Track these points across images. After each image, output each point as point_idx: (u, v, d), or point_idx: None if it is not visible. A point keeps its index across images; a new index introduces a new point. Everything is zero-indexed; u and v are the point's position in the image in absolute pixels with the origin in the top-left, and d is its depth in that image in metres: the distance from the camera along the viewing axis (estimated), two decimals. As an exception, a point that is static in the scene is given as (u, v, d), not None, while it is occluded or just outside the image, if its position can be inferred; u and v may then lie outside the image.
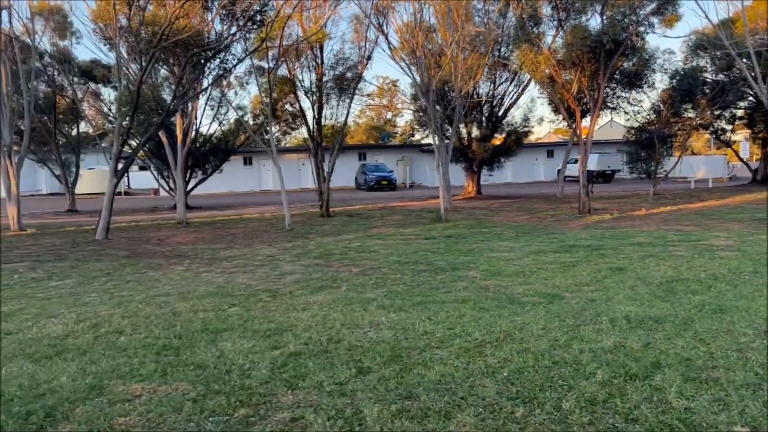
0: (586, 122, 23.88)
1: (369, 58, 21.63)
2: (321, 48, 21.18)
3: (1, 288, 9.31)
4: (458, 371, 4.85)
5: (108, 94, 28.61)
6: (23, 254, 13.26)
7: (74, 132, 29.59)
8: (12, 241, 15.77)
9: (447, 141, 24.01)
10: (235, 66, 18.74)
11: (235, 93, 28.28)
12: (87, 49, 63.77)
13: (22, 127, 20.11)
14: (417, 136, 61.77)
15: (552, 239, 13.61)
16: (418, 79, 21.77)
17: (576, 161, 35.81)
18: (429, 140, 42.31)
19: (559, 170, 34.11)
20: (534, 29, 20.79)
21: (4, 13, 18.11)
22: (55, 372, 5.07)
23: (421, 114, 29.28)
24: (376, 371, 4.91)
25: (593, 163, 37.94)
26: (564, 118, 24.65)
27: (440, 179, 20.62)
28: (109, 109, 27.66)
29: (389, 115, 66.36)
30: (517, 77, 28.43)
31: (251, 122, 27.67)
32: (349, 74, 21.93)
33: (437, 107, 23.02)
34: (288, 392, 4.52)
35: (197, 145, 25.48)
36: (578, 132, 21.96)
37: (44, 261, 12.16)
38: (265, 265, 10.92)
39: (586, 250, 11.62)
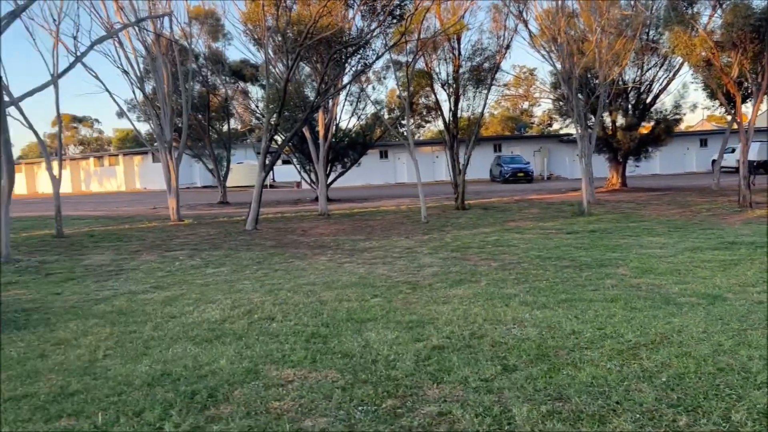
0: (746, 108, 21.92)
1: (507, 47, 21.17)
2: (458, 39, 21.03)
3: None
4: (611, 374, 4.60)
5: (255, 92, 30.24)
6: (182, 243, 14.34)
7: (225, 128, 31.56)
8: (172, 231, 17.12)
9: (590, 130, 22.97)
10: (374, 61, 19.09)
11: (373, 88, 28.76)
12: (237, 50, 68.01)
13: (180, 125, 21.73)
14: (555, 126, 59.89)
15: (709, 235, 12.62)
16: (558, 66, 21.00)
17: (733, 150, 33.06)
18: (568, 130, 40.81)
19: (714, 160, 31.65)
20: (688, 9, 19.33)
21: (166, 19, 19.66)
22: (215, 355, 5.41)
23: (561, 103, 28.28)
24: (522, 369, 4.78)
25: (754, 152, 34.73)
26: (721, 104, 22.76)
27: (583, 170, 19.79)
28: (256, 106, 29.24)
29: (526, 105, 64.77)
30: (667, 61, 26.62)
31: (386, 116, 28.11)
32: (486, 65, 21.60)
33: (579, 95, 22.08)
34: (433, 386, 4.51)
35: (336, 139, 26.26)
36: (738, 119, 20.18)
37: (201, 249, 13.08)
38: (404, 257, 11.03)
39: (749, 247, 10.66)
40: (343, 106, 26.50)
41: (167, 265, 11.14)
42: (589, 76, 24.91)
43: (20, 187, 49.14)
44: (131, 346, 5.78)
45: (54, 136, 59.45)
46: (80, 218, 22.00)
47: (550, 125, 65.19)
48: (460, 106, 21.76)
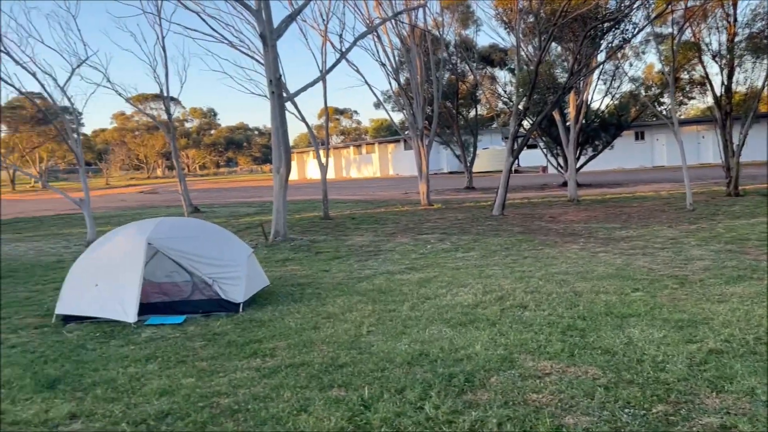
0: None
1: (799, 7, 18.17)
2: (734, 4, 18.57)
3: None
4: None
5: (503, 76, 30.06)
6: (433, 227, 14.83)
7: (472, 114, 31.94)
8: (423, 215, 17.81)
9: None
10: (634, 35, 17.67)
11: (630, 64, 26.72)
12: (486, 35, 68.58)
13: (431, 113, 22.46)
14: None
15: None
16: None
17: None
18: None
19: None
20: None
21: (420, 10, 20.38)
22: (470, 339, 5.45)
23: None
24: (828, 387, 4.04)
25: None
26: None
27: None
28: (504, 91, 29.07)
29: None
30: None
31: (643, 94, 26.01)
32: (769, 30, 18.78)
33: None
34: (712, 394, 4.02)
35: (587, 121, 25.03)
36: None
37: (450, 234, 13.39)
38: (667, 248, 10.10)
39: None
40: (596, 85, 25.14)
41: (420, 247, 11.60)
42: None
43: (293, 173, 55.17)
44: (391, 324, 6.09)
45: (320, 127, 65.55)
46: (342, 202, 24.00)
47: None
48: (734, 79, 19.26)
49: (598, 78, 24.67)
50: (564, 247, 10.78)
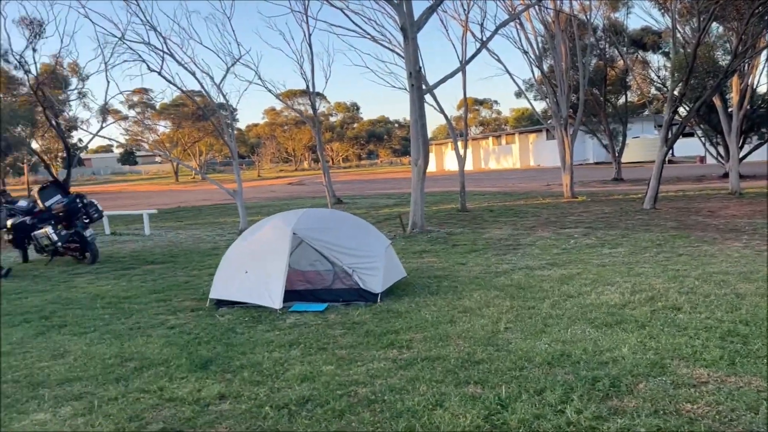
0: None
1: None
2: None
3: None
4: None
5: (656, 60, 28.19)
6: (576, 221, 14.23)
7: (621, 102, 30.26)
8: (566, 208, 17.16)
9: None
10: (811, 10, 15.80)
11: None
12: (637, 18, 64.82)
13: (575, 101, 21.55)
14: None
15: None
16: None
17: None
18: None
19: None
20: None
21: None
22: (616, 341, 5.14)
23: None
24: None
25: None
26: None
27: None
28: (657, 76, 27.28)
29: None
30: None
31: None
32: None
33: None
34: None
35: (753, 107, 22.83)
36: None
37: (596, 228, 12.77)
38: None
39: None
40: (763, 67, 22.84)
41: (562, 242, 11.17)
42: None
43: (431, 165, 55.33)
44: (530, 322, 5.89)
45: (459, 119, 65.34)
46: (480, 194, 23.74)
47: None
48: None
49: (767, 60, 22.44)
50: (724, 245, 9.91)
